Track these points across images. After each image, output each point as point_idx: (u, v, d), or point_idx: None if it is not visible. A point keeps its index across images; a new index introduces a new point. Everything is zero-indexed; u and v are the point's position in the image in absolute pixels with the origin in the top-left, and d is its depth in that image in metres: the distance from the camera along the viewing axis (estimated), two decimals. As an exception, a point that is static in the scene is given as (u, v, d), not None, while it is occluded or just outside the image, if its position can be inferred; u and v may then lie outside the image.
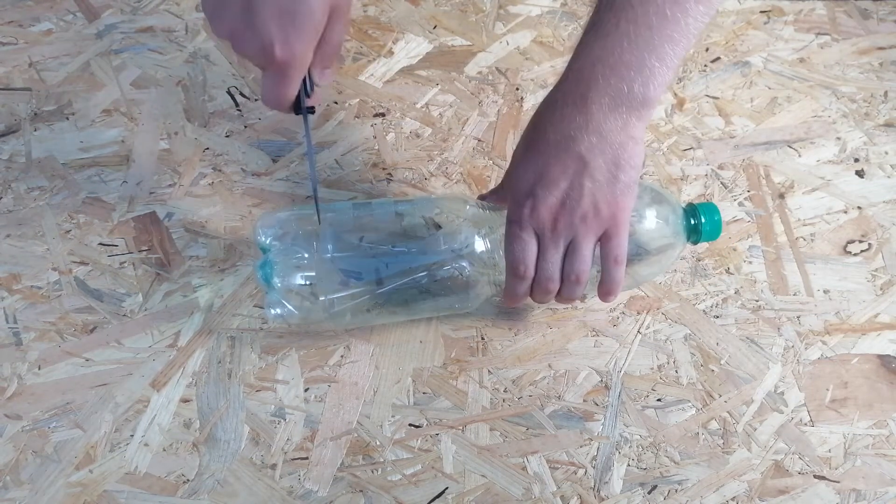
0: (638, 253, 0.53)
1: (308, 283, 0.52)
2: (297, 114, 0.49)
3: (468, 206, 0.55)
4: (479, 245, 0.53)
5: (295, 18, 0.43)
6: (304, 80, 0.47)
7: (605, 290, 0.51)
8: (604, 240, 0.49)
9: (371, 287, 0.53)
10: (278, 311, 0.52)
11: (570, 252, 0.49)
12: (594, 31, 0.47)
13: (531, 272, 0.50)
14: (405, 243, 0.53)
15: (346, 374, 0.56)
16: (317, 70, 0.49)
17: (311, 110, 0.49)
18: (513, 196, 0.50)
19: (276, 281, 0.52)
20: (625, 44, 0.45)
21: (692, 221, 0.55)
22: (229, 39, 0.45)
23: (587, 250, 0.49)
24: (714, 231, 0.55)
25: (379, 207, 0.56)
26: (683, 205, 0.56)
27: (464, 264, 0.53)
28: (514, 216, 0.49)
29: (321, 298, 0.52)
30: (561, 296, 0.52)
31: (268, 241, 0.53)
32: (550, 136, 0.48)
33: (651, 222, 0.53)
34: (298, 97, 0.48)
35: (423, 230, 0.53)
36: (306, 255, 0.52)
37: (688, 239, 0.55)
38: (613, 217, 0.48)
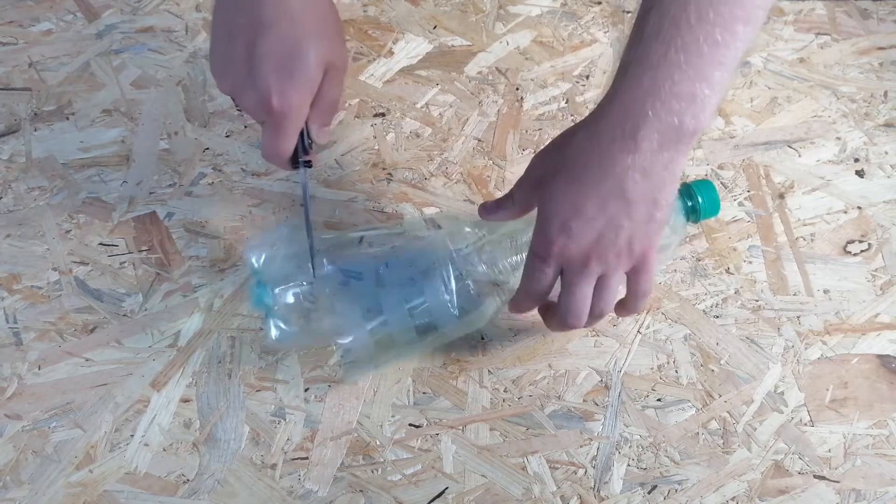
0: None
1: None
2: (294, 168, 0.51)
3: (467, 229, 0.55)
4: (482, 268, 0.53)
5: (292, 73, 0.47)
6: (302, 135, 0.50)
7: (628, 314, 0.53)
8: (632, 274, 0.49)
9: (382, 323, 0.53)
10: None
11: (598, 287, 0.49)
12: (640, 62, 0.43)
13: (546, 298, 0.50)
14: (413, 287, 0.53)
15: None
16: (314, 127, 0.51)
17: (309, 164, 0.52)
18: (543, 227, 0.47)
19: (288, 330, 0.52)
20: (676, 76, 0.42)
21: (689, 203, 0.54)
22: (232, 94, 0.48)
23: (615, 285, 0.49)
24: (712, 208, 0.54)
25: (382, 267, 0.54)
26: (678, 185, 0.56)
27: (469, 282, 0.53)
28: (542, 251, 0.47)
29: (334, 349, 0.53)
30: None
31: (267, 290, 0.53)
32: (594, 173, 0.45)
33: None
34: (296, 152, 0.50)
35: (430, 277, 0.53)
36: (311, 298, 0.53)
37: (687, 219, 0.55)
38: (644, 255, 0.47)
